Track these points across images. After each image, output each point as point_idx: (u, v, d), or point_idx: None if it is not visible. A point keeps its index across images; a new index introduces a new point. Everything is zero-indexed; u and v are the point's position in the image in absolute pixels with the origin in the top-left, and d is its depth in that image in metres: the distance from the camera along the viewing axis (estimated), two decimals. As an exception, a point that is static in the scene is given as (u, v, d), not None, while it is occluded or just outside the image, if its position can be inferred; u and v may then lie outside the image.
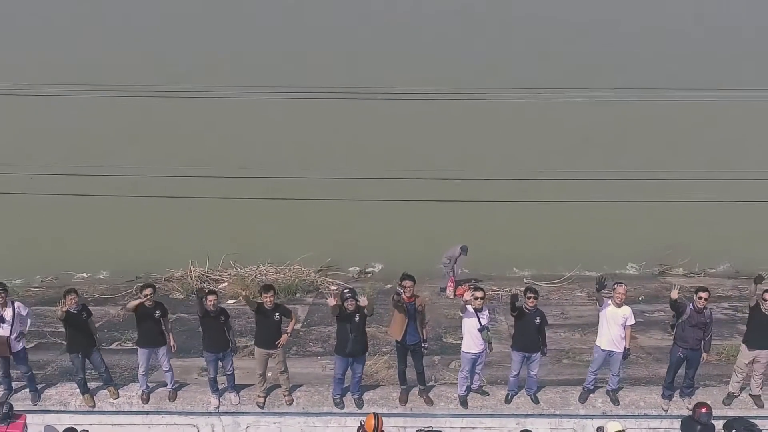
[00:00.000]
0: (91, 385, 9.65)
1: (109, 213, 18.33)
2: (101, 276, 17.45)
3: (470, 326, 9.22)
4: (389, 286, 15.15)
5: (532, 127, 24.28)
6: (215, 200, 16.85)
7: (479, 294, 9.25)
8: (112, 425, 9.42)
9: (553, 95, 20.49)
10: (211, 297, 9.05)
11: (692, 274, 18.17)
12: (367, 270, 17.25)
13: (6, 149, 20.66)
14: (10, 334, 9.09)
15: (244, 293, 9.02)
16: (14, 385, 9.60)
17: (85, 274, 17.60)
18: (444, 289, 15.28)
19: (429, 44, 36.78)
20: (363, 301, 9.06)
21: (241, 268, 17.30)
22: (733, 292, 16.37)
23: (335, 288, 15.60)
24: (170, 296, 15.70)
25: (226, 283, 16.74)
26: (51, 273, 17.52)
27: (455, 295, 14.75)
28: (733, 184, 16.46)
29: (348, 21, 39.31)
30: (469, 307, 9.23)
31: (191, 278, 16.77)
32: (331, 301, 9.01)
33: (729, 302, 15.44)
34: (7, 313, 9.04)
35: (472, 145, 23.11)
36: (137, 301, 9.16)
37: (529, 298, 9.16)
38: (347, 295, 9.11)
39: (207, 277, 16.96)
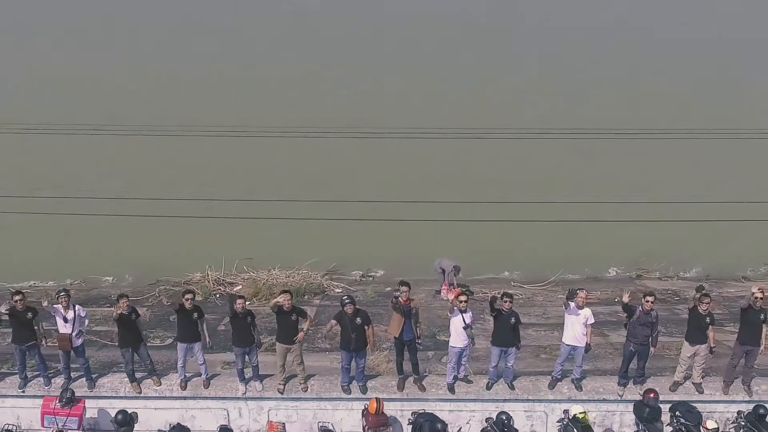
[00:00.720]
0: (138, 374, 11.53)
1: (133, 225, 20.05)
2: (126, 280, 19.35)
3: (456, 325, 11.09)
4: (389, 288, 16.94)
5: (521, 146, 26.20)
6: (231, 211, 18.80)
7: (463, 298, 11.13)
8: (156, 408, 11.27)
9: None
10: (239, 301, 10.94)
11: (666, 278, 19.94)
12: (368, 274, 19.09)
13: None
14: (72, 332, 10.96)
15: (272, 302, 10.78)
16: (73, 375, 11.48)
17: (110, 278, 19.48)
18: (439, 292, 17.10)
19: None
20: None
21: (253, 272, 19.10)
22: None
23: (339, 291, 17.49)
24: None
25: (240, 286, 18.52)
26: (80, 277, 19.40)
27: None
28: (706, 203, 18.46)
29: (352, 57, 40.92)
30: (455, 308, 11.11)
31: (209, 281, 18.56)
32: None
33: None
34: (69, 314, 10.90)
35: (466, 168, 24.79)
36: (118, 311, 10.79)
37: (505, 301, 11.04)
38: (346, 301, 11.02)
39: (223, 280, 18.67)
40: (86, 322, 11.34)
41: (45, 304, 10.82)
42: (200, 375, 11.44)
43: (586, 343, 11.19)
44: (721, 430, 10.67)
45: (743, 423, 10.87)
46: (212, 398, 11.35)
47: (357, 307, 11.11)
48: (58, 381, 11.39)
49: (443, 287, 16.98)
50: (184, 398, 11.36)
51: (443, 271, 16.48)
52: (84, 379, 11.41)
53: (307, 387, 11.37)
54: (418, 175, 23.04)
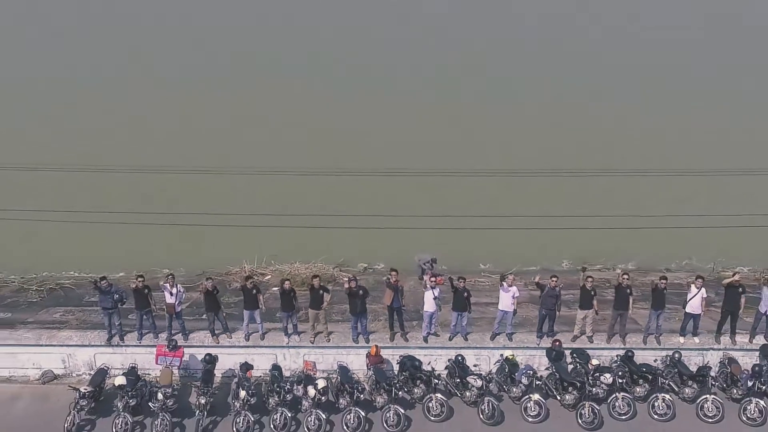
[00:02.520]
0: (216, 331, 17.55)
1: (182, 227, 25.95)
2: (180, 272, 25.27)
3: (429, 296, 17.15)
4: (385, 278, 22.92)
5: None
6: (261, 216, 24.68)
7: (434, 279, 17.17)
8: (229, 354, 17.29)
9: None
10: (287, 282, 16.95)
11: (605, 269, 25.91)
12: (370, 267, 25.04)
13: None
14: (175, 302, 16.97)
15: (309, 284, 17.00)
16: (173, 331, 17.50)
17: (167, 270, 25.43)
18: (422, 278, 22.98)
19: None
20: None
21: (279, 265, 25.09)
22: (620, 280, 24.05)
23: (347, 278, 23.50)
24: (230, 286, 23.44)
25: (269, 276, 24.49)
26: (143, 269, 25.32)
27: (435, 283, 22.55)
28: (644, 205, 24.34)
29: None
30: (428, 285, 17.13)
31: (245, 272, 24.60)
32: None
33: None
34: (174, 290, 16.91)
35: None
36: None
37: (460, 281, 17.07)
38: (351, 278, 17.03)
39: (255, 271, 24.70)
40: (184, 296, 17.37)
41: (162, 282, 16.88)
42: (258, 331, 17.49)
43: (513, 309, 17.23)
44: (602, 365, 16.70)
45: (618, 362, 16.93)
46: (266, 347, 17.44)
47: (359, 285, 17.10)
48: (163, 335, 17.42)
49: (427, 276, 22.89)
50: (247, 347, 17.42)
51: (425, 263, 22.38)
52: (181, 334, 17.44)
53: (329, 339, 17.45)
54: (407, 191, 28.87)
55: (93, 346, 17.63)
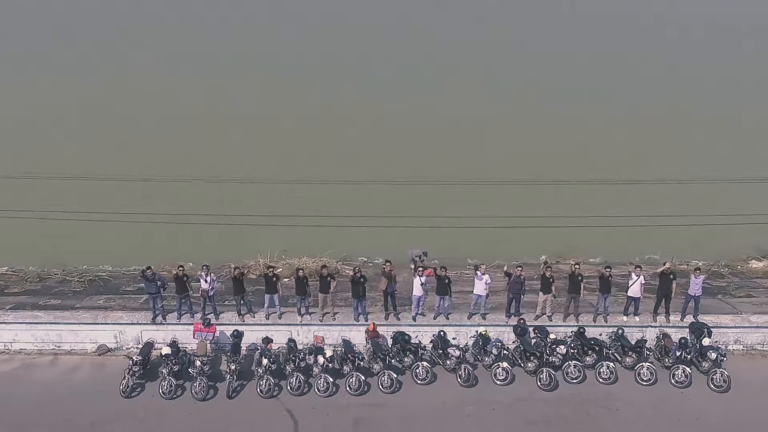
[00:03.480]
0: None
1: (204, 226, 29.78)
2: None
3: (417, 283, 21.07)
4: (382, 268, 26.77)
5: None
6: (273, 217, 28.54)
7: (421, 270, 21.07)
8: (252, 330, 21.19)
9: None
10: (300, 271, 20.87)
11: (576, 265, 29.82)
12: (370, 261, 28.92)
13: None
14: (208, 287, 20.90)
15: (323, 273, 20.93)
16: (206, 311, 21.43)
17: (191, 263, 29.32)
18: (415, 269, 26.85)
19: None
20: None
21: (289, 259, 28.98)
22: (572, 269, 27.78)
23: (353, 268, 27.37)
24: (248, 276, 27.26)
25: (280, 269, 28.35)
26: (170, 263, 29.20)
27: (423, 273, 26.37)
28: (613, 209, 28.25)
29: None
30: (417, 273, 21.05)
31: (259, 265, 28.47)
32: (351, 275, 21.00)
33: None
34: (208, 278, 20.84)
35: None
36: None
37: (442, 270, 20.97)
38: (356, 268, 20.94)
39: (268, 265, 28.58)
40: (216, 284, 21.29)
41: (198, 272, 20.81)
42: (276, 312, 21.40)
43: (486, 294, 21.14)
44: (558, 339, 20.58)
45: (571, 336, 20.83)
46: (283, 324, 21.36)
47: (362, 274, 21.01)
48: (198, 315, 21.34)
49: (418, 269, 26.76)
50: (267, 324, 21.34)
51: (416, 257, 26.27)
52: (213, 314, 21.36)
53: (335, 318, 21.39)
54: (402, 195, 32.77)
55: (140, 324, 21.58)
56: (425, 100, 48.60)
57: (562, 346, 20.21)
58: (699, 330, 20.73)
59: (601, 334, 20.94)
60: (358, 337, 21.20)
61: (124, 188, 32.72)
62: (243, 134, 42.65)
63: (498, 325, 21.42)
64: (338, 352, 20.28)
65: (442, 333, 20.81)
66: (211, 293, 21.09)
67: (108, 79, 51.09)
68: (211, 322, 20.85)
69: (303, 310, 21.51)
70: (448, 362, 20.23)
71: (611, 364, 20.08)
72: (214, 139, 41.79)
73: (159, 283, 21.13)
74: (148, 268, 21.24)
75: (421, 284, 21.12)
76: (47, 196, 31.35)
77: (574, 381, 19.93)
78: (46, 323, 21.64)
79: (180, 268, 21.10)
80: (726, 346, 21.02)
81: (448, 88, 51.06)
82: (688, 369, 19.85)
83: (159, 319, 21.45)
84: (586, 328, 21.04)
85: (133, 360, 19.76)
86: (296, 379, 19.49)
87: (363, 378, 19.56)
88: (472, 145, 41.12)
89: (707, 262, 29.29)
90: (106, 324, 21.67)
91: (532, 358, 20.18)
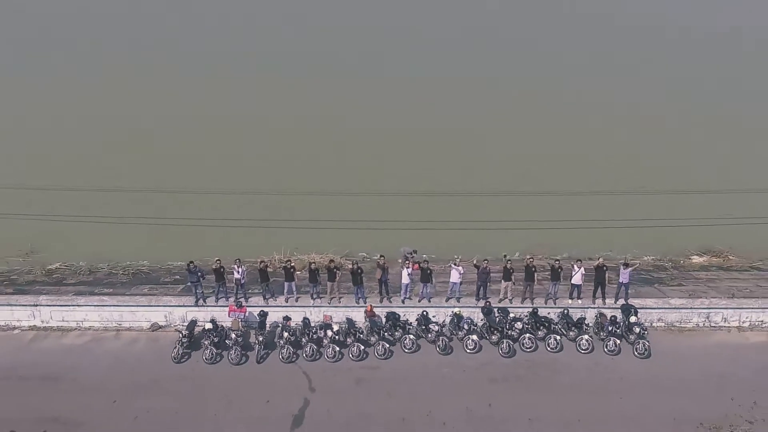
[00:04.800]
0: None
1: (229, 229, 35.50)
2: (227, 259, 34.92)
3: (405, 273, 26.90)
4: (377, 261, 32.57)
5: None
6: (287, 221, 34.29)
7: (409, 263, 26.86)
8: (275, 311, 26.91)
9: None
10: (313, 264, 26.66)
11: (531, 258, 35.41)
12: (368, 257, 34.59)
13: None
14: (240, 277, 26.70)
15: (330, 265, 26.71)
16: (238, 296, 27.21)
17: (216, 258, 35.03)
18: (407, 264, 32.62)
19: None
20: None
21: (300, 255, 34.73)
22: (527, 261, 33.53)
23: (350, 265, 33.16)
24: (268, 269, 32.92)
25: (293, 263, 34.07)
26: (200, 258, 34.95)
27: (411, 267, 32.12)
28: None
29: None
30: (405, 266, 26.84)
31: (275, 260, 34.24)
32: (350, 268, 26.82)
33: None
34: (239, 270, 26.63)
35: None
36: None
37: (425, 262, 26.76)
38: (354, 262, 26.75)
39: (287, 259, 34.26)
40: (245, 273, 27.08)
41: (232, 265, 26.62)
42: (293, 296, 27.21)
43: (460, 282, 26.94)
44: (516, 317, 26.32)
45: (527, 315, 26.60)
46: (299, 306, 27.15)
47: (360, 267, 26.85)
48: (232, 298, 27.13)
49: (408, 263, 32.54)
50: (286, 306, 27.12)
51: (408, 254, 31.96)
52: (243, 298, 27.15)
53: (340, 301, 27.24)
54: (396, 200, 38.51)
55: (185, 306, 27.35)
56: (423, 105, 54.57)
57: (519, 323, 25.95)
58: (627, 310, 26.55)
59: (549, 313, 26.73)
60: (358, 316, 26.95)
61: (157, 198, 38.44)
62: (259, 145, 48.41)
63: (469, 307, 27.18)
64: (343, 328, 26.02)
65: (425, 312, 26.58)
66: (242, 281, 26.87)
67: (135, 93, 56.93)
68: (243, 304, 26.63)
69: (314, 295, 27.30)
70: (429, 335, 26.00)
71: (558, 336, 25.82)
72: (233, 153, 47.52)
73: (199, 273, 26.86)
74: (191, 262, 26.96)
75: (408, 274, 26.90)
76: (90, 203, 37.16)
77: (528, 350, 25.66)
78: (110, 305, 27.42)
79: (217, 261, 26.88)
80: (651, 324, 26.82)
81: (442, 93, 57.13)
82: (618, 341, 25.60)
83: (200, 302, 27.21)
84: (538, 309, 26.82)
85: (182, 333, 25.56)
86: (310, 348, 25.25)
87: (362, 347, 25.33)
88: (453, 158, 46.87)
89: (655, 257, 35.07)
90: (158, 306, 27.46)
91: (495, 332, 25.93)
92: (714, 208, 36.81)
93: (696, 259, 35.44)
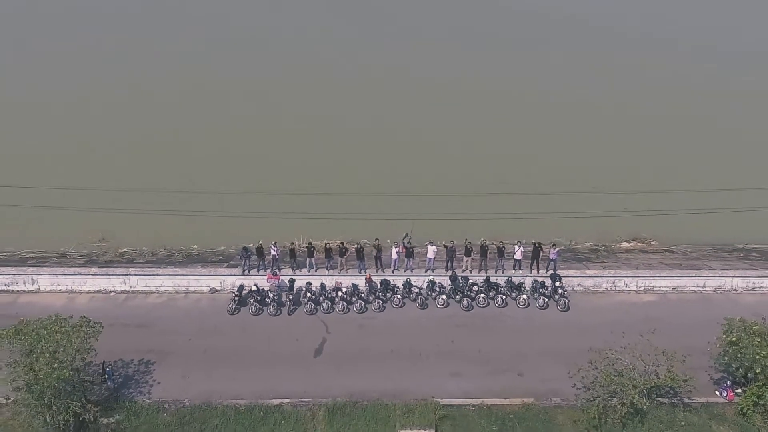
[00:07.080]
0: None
1: (257, 218, 45.88)
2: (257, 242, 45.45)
3: (393, 251, 37.60)
4: (373, 242, 43.25)
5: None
6: (307, 214, 44.76)
7: (397, 244, 37.56)
8: (300, 279, 37.49)
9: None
10: (328, 244, 37.35)
11: (485, 240, 46.16)
12: (367, 243, 45.12)
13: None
14: (276, 254, 37.42)
15: (340, 247, 37.22)
16: (274, 268, 37.89)
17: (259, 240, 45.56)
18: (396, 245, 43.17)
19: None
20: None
21: (318, 239, 45.16)
22: (481, 242, 44.23)
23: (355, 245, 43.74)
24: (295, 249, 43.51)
25: (313, 245, 44.55)
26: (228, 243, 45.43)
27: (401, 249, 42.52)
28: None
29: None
30: (394, 246, 37.54)
31: (300, 243, 44.67)
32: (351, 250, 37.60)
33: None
34: (275, 248, 37.34)
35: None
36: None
37: (409, 243, 37.41)
38: (358, 243, 37.45)
39: (305, 242, 44.78)
40: (279, 251, 37.77)
41: (270, 245, 37.33)
42: (313, 268, 37.92)
43: (434, 257, 37.62)
44: (474, 283, 36.92)
45: (482, 281, 37.23)
46: (317, 275, 37.85)
47: (361, 246, 37.60)
48: (269, 270, 37.78)
49: (399, 247, 42.92)
50: (308, 275, 37.77)
51: (404, 238, 42.36)
52: (278, 269, 37.85)
53: (347, 272, 37.97)
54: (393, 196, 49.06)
55: (235, 275, 38.05)
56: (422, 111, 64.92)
57: (476, 287, 36.57)
58: (554, 277, 37.20)
59: (498, 280, 37.39)
60: (360, 282, 37.58)
61: (202, 196, 48.78)
62: (281, 150, 58.78)
63: (440, 275, 37.83)
64: (349, 290, 36.68)
65: (408, 280, 37.26)
66: (277, 257, 37.58)
67: (172, 97, 67.24)
68: (277, 273, 37.36)
69: (329, 268, 37.99)
70: (412, 296, 36.69)
71: (504, 297, 36.50)
72: (269, 157, 57.59)
73: (249, 252, 37.55)
74: (245, 246, 37.63)
75: (397, 252, 37.59)
76: (149, 200, 47.50)
77: (482, 306, 36.28)
78: (180, 274, 38.13)
79: (260, 243, 37.56)
80: (572, 288, 37.48)
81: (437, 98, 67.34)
82: (546, 299, 36.23)
83: (247, 272, 37.92)
84: (490, 277, 37.46)
85: (234, 294, 36.28)
86: (326, 304, 35.92)
87: (363, 304, 36.02)
88: (432, 159, 57.12)
89: (592, 243, 45.61)
90: (215, 275, 38.21)
91: (458, 293, 36.55)
92: (646, 204, 46.89)
93: (625, 245, 45.97)
